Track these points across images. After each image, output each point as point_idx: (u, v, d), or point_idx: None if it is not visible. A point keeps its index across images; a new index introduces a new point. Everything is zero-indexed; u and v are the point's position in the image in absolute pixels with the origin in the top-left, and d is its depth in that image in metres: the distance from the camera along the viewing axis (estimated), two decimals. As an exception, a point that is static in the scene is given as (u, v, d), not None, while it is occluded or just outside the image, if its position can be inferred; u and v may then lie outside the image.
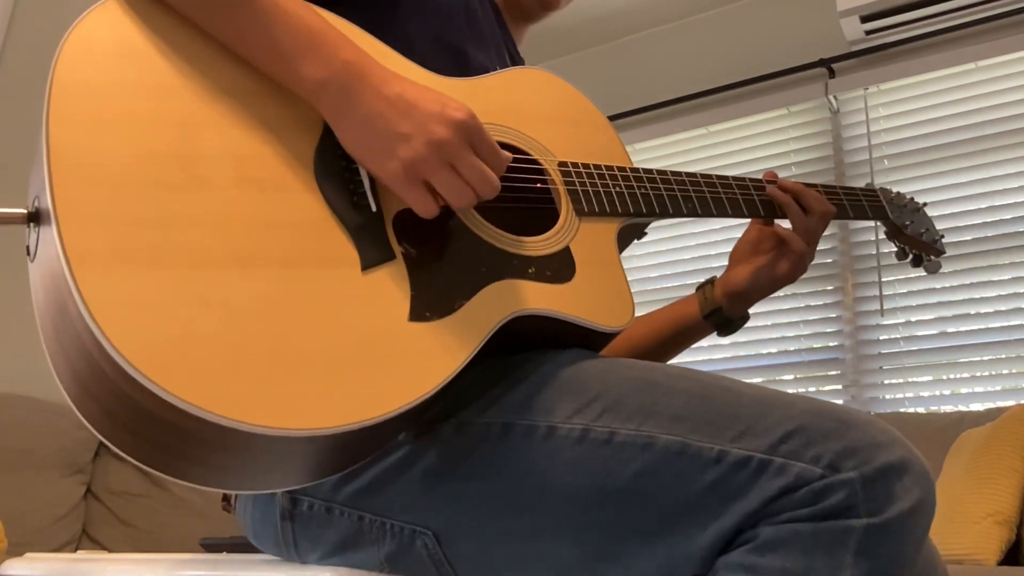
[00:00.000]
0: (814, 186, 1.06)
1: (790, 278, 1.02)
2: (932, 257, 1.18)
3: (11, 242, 2.45)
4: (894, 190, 1.19)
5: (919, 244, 1.17)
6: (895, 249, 1.19)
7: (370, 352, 0.66)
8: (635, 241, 0.97)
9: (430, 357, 0.68)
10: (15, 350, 2.41)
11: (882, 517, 0.61)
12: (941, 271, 2.84)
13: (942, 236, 1.19)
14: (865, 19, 2.87)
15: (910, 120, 2.89)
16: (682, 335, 1.06)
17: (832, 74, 3.00)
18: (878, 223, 1.19)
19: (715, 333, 1.06)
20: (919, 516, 0.63)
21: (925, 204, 1.21)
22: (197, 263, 0.63)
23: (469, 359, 0.70)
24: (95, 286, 0.58)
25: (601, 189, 0.88)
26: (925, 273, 1.18)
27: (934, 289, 2.72)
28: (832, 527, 0.61)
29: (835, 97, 3.02)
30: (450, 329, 0.70)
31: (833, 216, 1.03)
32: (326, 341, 0.64)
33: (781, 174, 3.08)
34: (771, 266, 1.02)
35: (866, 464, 0.62)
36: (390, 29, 0.84)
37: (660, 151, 3.35)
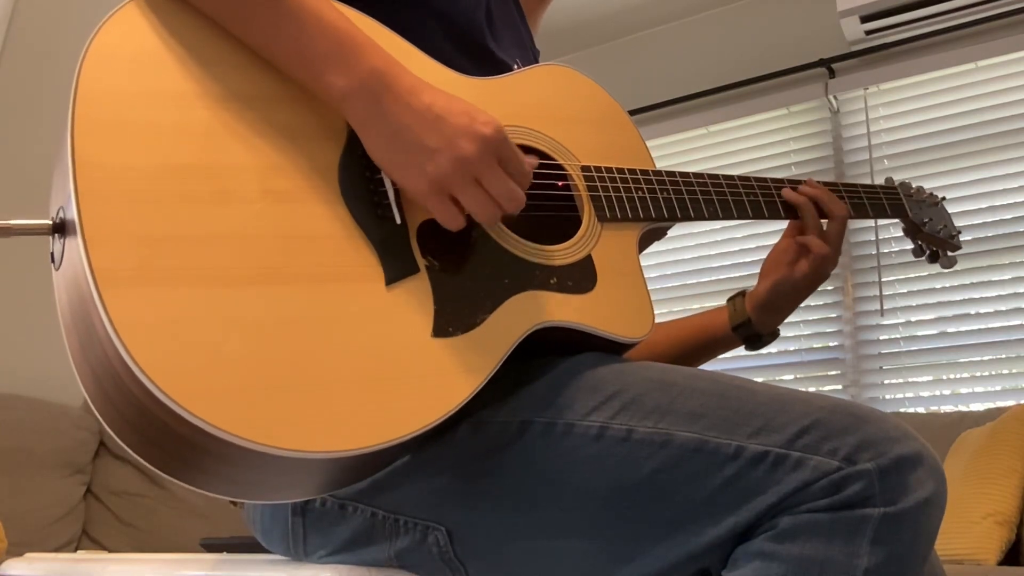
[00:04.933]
0: (835, 185, 1.05)
1: (811, 283, 1.00)
2: (948, 253, 1.17)
3: (12, 243, 2.44)
4: (914, 185, 1.17)
5: (936, 241, 1.16)
6: (911, 246, 1.18)
7: (394, 371, 0.66)
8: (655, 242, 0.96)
9: (453, 374, 0.68)
10: (15, 350, 2.41)
11: (898, 507, 0.62)
12: (941, 271, 2.84)
13: (959, 232, 1.18)
14: (865, 19, 2.87)
15: (910, 120, 2.89)
16: (708, 346, 1.05)
17: (832, 74, 3.00)
18: (888, 221, 1.17)
19: (743, 347, 1.04)
20: (933, 507, 0.64)
21: (944, 198, 1.19)
22: (223, 281, 0.63)
23: (490, 376, 0.70)
24: (123, 309, 0.58)
25: (624, 194, 0.88)
26: (941, 269, 1.18)
27: (934, 289, 2.72)
28: (850, 516, 0.62)
29: (835, 97, 3.03)
30: (472, 345, 0.71)
31: (852, 216, 1.02)
32: (351, 360, 0.65)
33: (781, 174, 3.08)
34: (791, 274, 1.00)
35: (882, 456, 0.63)
36: (409, 25, 0.83)
37: (660, 151, 3.35)
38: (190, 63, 0.69)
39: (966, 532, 1.84)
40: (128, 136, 0.64)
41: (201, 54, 0.70)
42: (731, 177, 0.97)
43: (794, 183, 1.02)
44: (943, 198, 1.19)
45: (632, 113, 3.33)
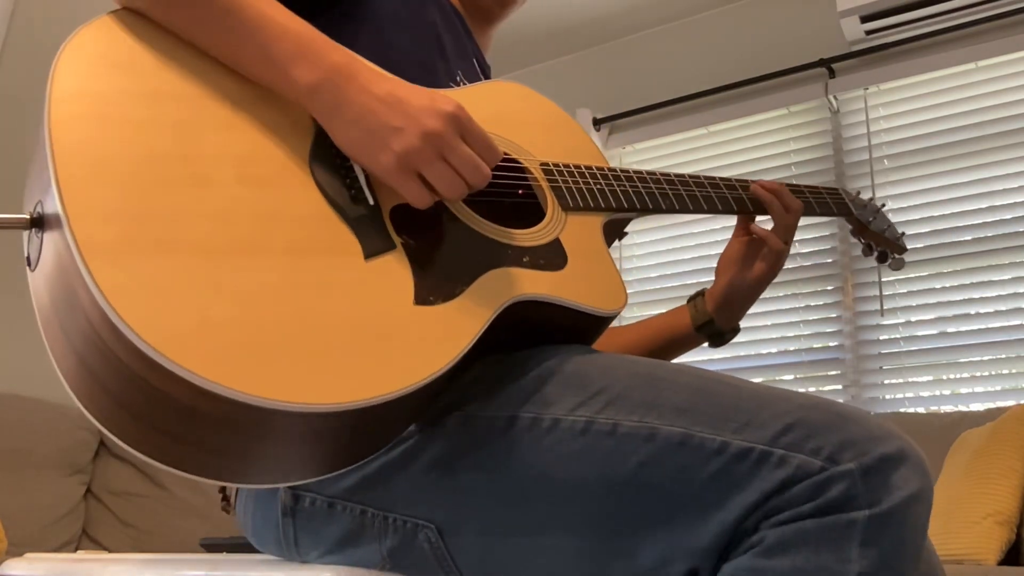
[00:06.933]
0: (779, 185, 1.10)
1: (767, 278, 1.05)
2: (896, 255, 1.24)
3: (10, 243, 2.44)
4: (854, 191, 1.24)
5: (883, 241, 1.22)
6: (861, 245, 1.24)
7: (380, 333, 0.67)
8: (617, 242, 0.99)
9: (439, 337, 0.70)
10: (15, 350, 2.41)
11: (883, 507, 0.62)
12: (941, 271, 2.86)
13: (903, 234, 1.26)
14: (865, 19, 2.87)
15: (910, 120, 2.89)
16: (673, 345, 1.09)
17: (832, 74, 3.00)
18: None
19: (707, 344, 1.09)
20: (919, 504, 0.64)
21: (884, 205, 1.26)
22: (205, 251, 0.64)
23: (476, 338, 0.72)
24: (109, 275, 0.59)
25: (583, 186, 0.91)
26: (892, 270, 1.24)
27: (934, 289, 2.72)
28: (835, 521, 0.62)
29: (835, 97, 3.03)
30: (454, 312, 0.72)
31: (803, 212, 1.07)
32: (338, 323, 0.66)
33: (781, 174, 3.08)
34: (747, 270, 1.05)
35: (865, 456, 0.63)
36: (361, 46, 0.85)
37: (660, 151, 3.35)
38: (160, 68, 0.72)
39: (966, 532, 1.84)
40: (104, 129, 0.66)
41: (171, 60, 0.73)
42: (683, 175, 1.02)
43: (743, 184, 1.06)
44: (883, 204, 1.26)
45: (632, 113, 3.33)
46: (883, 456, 0.63)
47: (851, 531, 0.62)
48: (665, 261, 3.23)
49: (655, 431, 0.68)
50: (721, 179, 1.05)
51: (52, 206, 0.62)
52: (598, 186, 0.92)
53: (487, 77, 1.08)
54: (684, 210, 0.98)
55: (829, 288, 2.91)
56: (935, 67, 2.83)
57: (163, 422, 0.63)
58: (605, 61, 3.53)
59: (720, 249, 3.09)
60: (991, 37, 2.78)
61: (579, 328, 0.83)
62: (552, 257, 0.82)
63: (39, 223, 0.66)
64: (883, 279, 2.79)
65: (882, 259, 1.23)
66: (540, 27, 3.36)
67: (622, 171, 0.96)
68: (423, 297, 0.71)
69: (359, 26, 0.90)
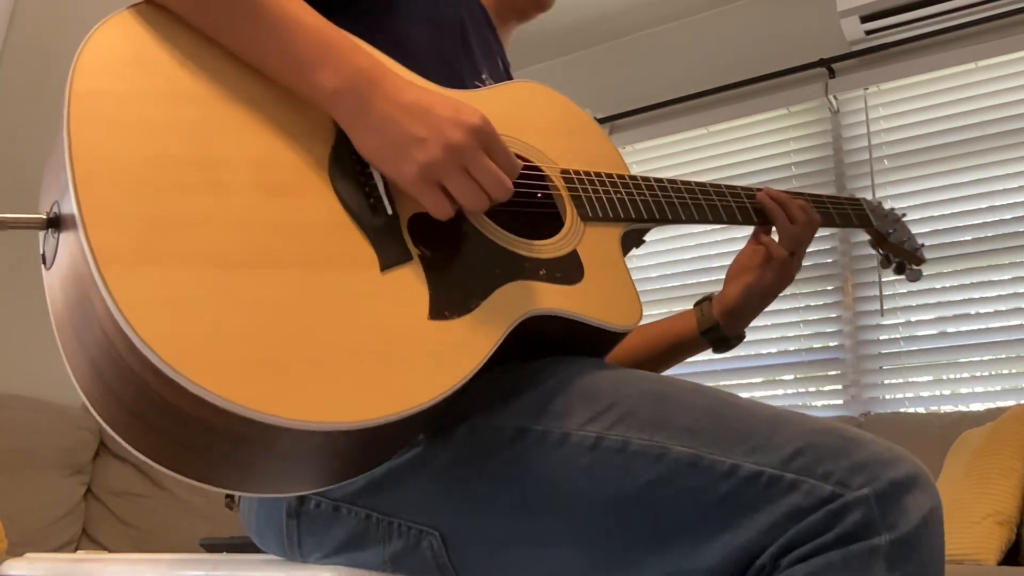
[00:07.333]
0: (802, 195, 1.08)
1: (776, 288, 1.04)
2: (913, 266, 1.23)
3: (13, 243, 2.44)
4: (876, 200, 1.23)
5: (901, 252, 1.21)
6: (879, 257, 1.23)
7: (393, 349, 0.67)
8: (633, 249, 0.98)
9: (451, 354, 0.69)
10: (15, 350, 2.41)
11: (902, 531, 0.62)
12: (941, 271, 2.86)
13: (922, 245, 1.25)
14: (865, 19, 2.87)
15: (910, 120, 2.89)
16: (677, 349, 1.08)
17: (832, 74, 3.01)
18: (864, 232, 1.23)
19: (711, 350, 1.08)
20: (934, 525, 0.64)
21: (904, 215, 1.25)
22: (220, 264, 0.63)
23: (488, 356, 0.71)
24: (124, 285, 0.59)
25: (603, 195, 0.90)
26: (908, 281, 1.23)
27: (934, 289, 2.72)
28: (859, 550, 0.62)
29: (835, 97, 3.03)
30: (468, 327, 0.71)
31: (820, 224, 1.06)
32: (351, 338, 0.65)
33: (781, 175, 3.09)
34: (759, 279, 1.03)
35: (876, 480, 0.63)
36: (386, 42, 0.84)
37: (660, 151, 3.35)
38: (180, 66, 0.71)
39: (966, 532, 1.84)
40: (122, 131, 0.66)
41: (191, 59, 0.72)
42: (704, 184, 1.01)
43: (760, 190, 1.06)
44: (903, 215, 1.25)
45: (632, 113, 3.33)
46: (894, 481, 0.63)
47: (875, 557, 0.61)
48: (665, 261, 3.23)
49: (665, 451, 0.68)
50: (743, 188, 1.03)
51: (69, 208, 0.62)
52: (618, 195, 0.91)
53: (509, 75, 1.07)
54: (704, 220, 0.97)
55: (829, 288, 2.92)
56: (935, 67, 2.83)
57: (177, 435, 0.62)
58: (605, 61, 3.53)
59: (720, 250, 3.13)
60: (991, 37, 2.78)
61: (592, 341, 0.83)
62: (569, 270, 0.82)
63: (55, 223, 0.66)
64: (883, 279, 2.79)
65: (900, 271, 1.22)
66: (541, 27, 3.36)
67: (643, 179, 0.95)
68: (438, 311, 0.70)
69: (381, 22, 0.89)
